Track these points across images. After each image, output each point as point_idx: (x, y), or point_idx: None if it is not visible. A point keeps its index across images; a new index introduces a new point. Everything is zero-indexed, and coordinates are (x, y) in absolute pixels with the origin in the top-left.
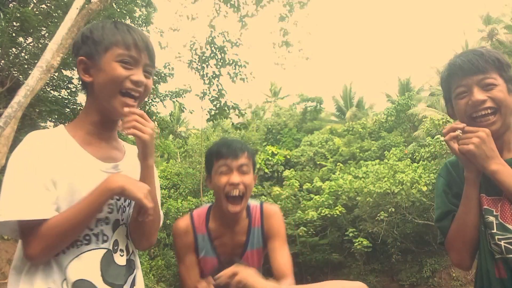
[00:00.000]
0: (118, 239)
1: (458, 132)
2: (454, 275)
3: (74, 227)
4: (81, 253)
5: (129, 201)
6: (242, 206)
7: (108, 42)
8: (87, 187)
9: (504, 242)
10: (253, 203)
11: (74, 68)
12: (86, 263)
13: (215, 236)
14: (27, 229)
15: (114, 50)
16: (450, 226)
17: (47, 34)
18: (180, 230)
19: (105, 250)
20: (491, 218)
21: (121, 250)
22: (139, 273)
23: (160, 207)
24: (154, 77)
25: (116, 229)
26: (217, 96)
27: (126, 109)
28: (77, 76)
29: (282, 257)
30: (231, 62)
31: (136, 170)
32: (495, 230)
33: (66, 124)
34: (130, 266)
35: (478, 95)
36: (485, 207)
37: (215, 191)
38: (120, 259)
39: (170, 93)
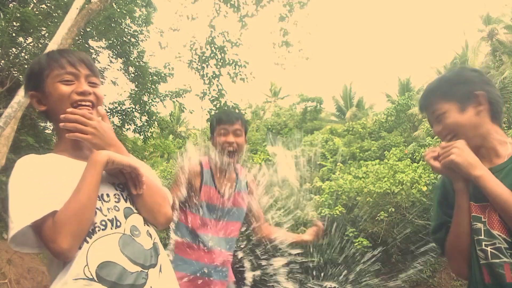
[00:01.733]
0: (136, 225)
1: (437, 151)
2: (454, 275)
3: (85, 204)
4: (98, 238)
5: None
6: (235, 159)
7: (45, 69)
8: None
9: (490, 248)
10: (239, 165)
11: None
12: (106, 246)
13: (215, 174)
14: (44, 229)
15: (52, 73)
16: (444, 238)
17: (47, 34)
18: (192, 163)
19: (121, 234)
20: (479, 225)
21: (144, 234)
22: (166, 261)
23: (160, 184)
24: (154, 77)
25: (128, 216)
26: (217, 96)
27: (66, 112)
28: None
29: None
30: (231, 62)
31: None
32: (482, 236)
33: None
34: (155, 250)
35: (435, 128)
36: (473, 214)
37: (216, 147)
38: (146, 242)
39: (170, 93)
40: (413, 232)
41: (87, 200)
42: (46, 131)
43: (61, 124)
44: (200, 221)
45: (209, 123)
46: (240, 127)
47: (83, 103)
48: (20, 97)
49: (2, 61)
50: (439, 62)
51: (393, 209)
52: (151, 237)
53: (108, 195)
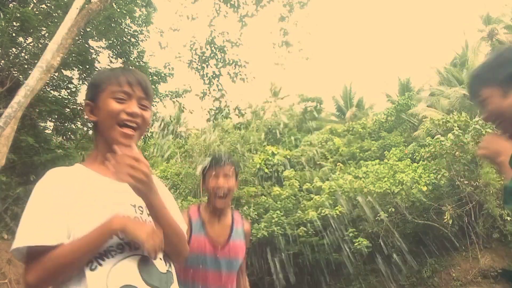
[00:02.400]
0: None
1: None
2: (454, 275)
3: (71, 262)
4: (118, 262)
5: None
6: (225, 203)
7: (104, 83)
8: (105, 197)
9: None
10: (237, 212)
11: (74, 68)
12: (125, 270)
13: (206, 221)
14: (32, 256)
15: (108, 88)
16: None
17: (47, 34)
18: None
19: (140, 256)
20: None
21: (160, 258)
22: (175, 284)
23: (181, 221)
24: (154, 77)
25: None
26: (217, 96)
27: (118, 150)
28: (77, 76)
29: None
30: (231, 62)
31: None
32: None
33: (81, 162)
34: (170, 275)
35: (482, 115)
36: None
37: (207, 192)
38: (161, 266)
39: (170, 93)
40: (413, 232)
41: (75, 260)
42: (46, 131)
43: (110, 166)
44: (192, 274)
45: (209, 123)
46: (230, 170)
47: (129, 123)
48: (20, 97)
49: (2, 61)
50: (439, 62)
51: (393, 209)
52: (165, 263)
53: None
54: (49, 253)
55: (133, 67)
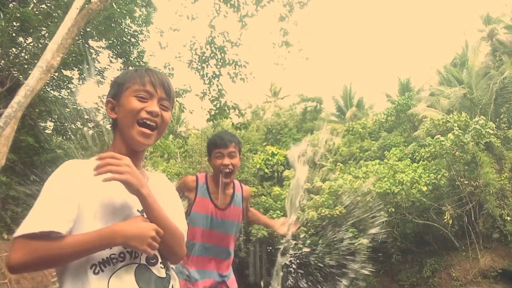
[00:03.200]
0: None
1: None
2: (454, 275)
3: (65, 257)
4: (117, 270)
5: None
6: (231, 178)
7: (127, 82)
8: (115, 201)
9: None
10: (237, 181)
11: (74, 68)
12: (123, 279)
13: (211, 189)
14: (29, 240)
15: (132, 87)
16: None
17: (47, 34)
18: (188, 178)
19: (136, 265)
20: None
21: (160, 263)
22: (176, 285)
23: (182, 222)
24: None
25: None
26: (217, 96)
27: (97, 157)
28: (77, 76)
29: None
30: (231, 62)
31: (159, 195)
32: None
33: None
34: (168, 279)
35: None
36: None
37: (213, 168)
38: (161, 272)
39: None
40: (413, 232)
41: (70, 258)
42: (46, 131)
43: (95, 173)
44: (195, 231)
45: (209, 123)
46: (234, 149)
47: (149, 122)
48: (20, 97)
49: (2, 61)
50: (439, 62)
51: (393, 209)
52: (164, 266)
53: None
54: (46, 241)
55: (133, 67)
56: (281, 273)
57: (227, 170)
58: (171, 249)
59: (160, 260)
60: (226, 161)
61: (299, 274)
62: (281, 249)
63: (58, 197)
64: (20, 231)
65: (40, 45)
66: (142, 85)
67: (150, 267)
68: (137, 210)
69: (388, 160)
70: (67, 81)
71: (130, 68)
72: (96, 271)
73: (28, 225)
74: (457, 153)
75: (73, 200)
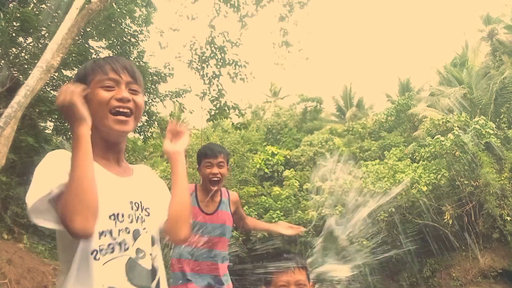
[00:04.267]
0: (141, 247)
1: None
2: (454, 275)
3: (82, 181)
4: (107, 261)
5: (147, 211)
6: (219, 186)
7: (89, 74)
8: (106, 192)
9: None
10: (224, 189)
11: (74, 68)
12: (112, 271)
13: (199, 197)
14: (58, 208)
15: (95, 79)
16: None
17: (47, 34)
18: None
19: (127, 257)
20: None
21: (148, 255)
22: (162, 276)
23: (185, 196)
24: (154, 77)
25: (137, 238)
26: (217, 96)
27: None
28: None
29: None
30: (231, 62)
31: (147, 185)
32: None
33: None
34: (154, 270)
35: None
36: None
37: (202, 176)
38: (147, 263)
39: (170, 93)
40: (413, 232)
41: (88, 176)
42: (46, 131)
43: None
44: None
45: (209, 123)
46: (223, 159)
47: (121, 109)
48: (20, 97)
49: (2, 61)
50: (439, 62)
51: (393, 209)
52: (152, 258)
53: (123, 215)
54: (63, 192)
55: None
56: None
57: (215, 179)
58: (180, 217)
59: (149, 253)
60: (215, 170)
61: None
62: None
63: (47, 171)
64: (28, 204)
65: (40, 45)
66: (104, 74)
67: (138, 260)
68: (128, 200)
69: (388, 160)
70: (67, 81)
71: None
72: (97, 257)
73: (29, 197)
74: (457, 153)
75: (60, 172)
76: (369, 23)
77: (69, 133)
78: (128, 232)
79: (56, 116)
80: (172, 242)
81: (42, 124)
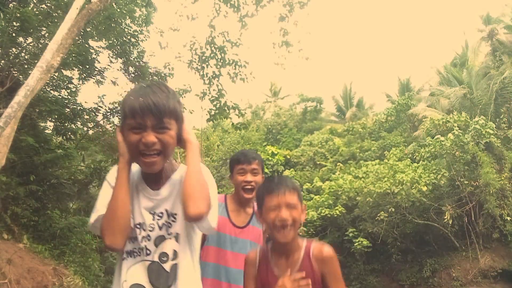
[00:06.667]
0: (166, 251)
1: None
2: (454, 275)
3: (116, 209)
4: (133, 264)
5: (173, 217)
6: (252, 195)
7: (123, 113)
8: (137, 207)
9: None
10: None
11: (74, 68)
12: (137, 272)
13: (229, 207)
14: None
15: (126, 120)
16: None
17: (47, 34)
18: None
19: (149, 262)
20: None
21: (171, 258)
22: (182, 275)
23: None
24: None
25: (160, 244)
26: (217, 96)
27: None
28: (77, 76)
29: None
30: (231, 62)
31: (178, 189)
32: None
33: None
34: (175, 270)
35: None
36: None
37: (234, 185)
38: (170, 266)
39: None
40: (413, 232)
41: (119, 204)
42: (46, 131)
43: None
44: (208, 250)
45: (209, 123)
46: (257, 166)
47: (148, 152)
48: (20, 97)
49: (2, 61)
50: (439, 62)
51: (393, 209)
52: (175, 258)
53: (145, 224)
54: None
55: (133, 67)
56: None
57: (249, 187)
58: (192, 193)
59: (170, 257)
60: (249, 177)
61: None
62: None
63: (103, 194)
64: (90, 220)
65: (40, 45)
66: (133, 117)
67: (162, 264)
68: (153, 212)
69: (388, 160)
70: (67, 81)
71: (130, 68)
72: (126, 259)
73: (92, 216)
74: (457, 153)
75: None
76: (369, 23)
77: (69, 133)
78: (149, 240)
79: (56, 116)
80: (186, 219)
81: (42, 124)
